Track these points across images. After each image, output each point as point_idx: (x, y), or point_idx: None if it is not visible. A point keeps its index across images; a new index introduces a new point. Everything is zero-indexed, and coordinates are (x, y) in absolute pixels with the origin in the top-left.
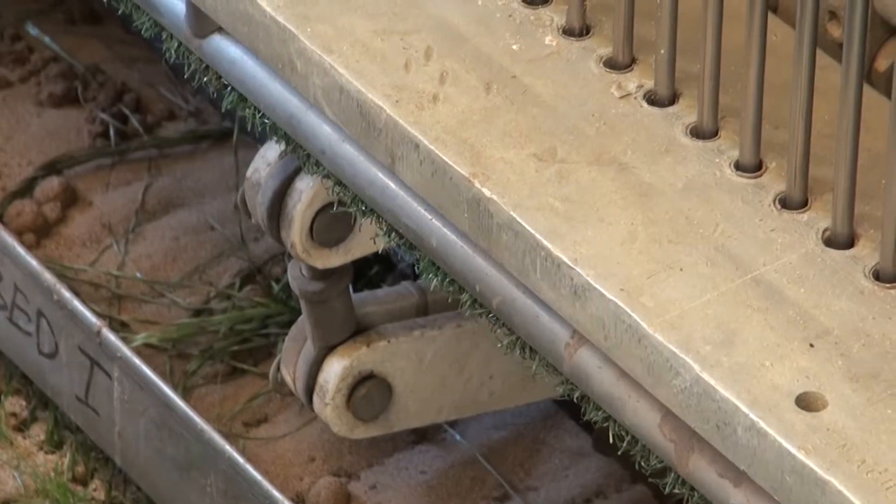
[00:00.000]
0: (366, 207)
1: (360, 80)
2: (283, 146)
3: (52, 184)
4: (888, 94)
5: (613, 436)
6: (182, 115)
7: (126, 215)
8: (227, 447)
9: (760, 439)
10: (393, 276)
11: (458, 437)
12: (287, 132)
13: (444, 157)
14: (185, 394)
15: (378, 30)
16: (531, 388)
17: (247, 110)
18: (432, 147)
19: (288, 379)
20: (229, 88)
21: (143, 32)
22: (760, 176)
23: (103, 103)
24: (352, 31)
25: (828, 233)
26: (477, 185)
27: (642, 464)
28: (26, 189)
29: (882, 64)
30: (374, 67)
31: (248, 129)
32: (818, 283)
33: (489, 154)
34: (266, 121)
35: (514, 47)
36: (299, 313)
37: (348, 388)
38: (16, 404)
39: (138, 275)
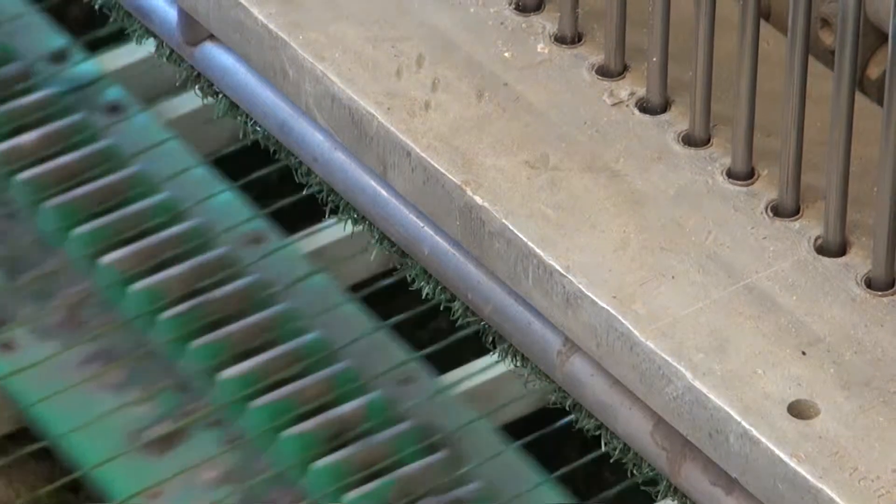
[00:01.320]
0: (357, 215)
1: (351, 87)
2: None
3: None
4: (880, 102)
5: (605, 444)
6: None
7: None
8: None
9: (753, 447)
10: None
11: None
12: (279, 139)
13: (436, 165)
14: None
15: (370, 37)
16: None
17: (238, 118)
18: (424, 155)
19: None
20: (220, 96)
21: (135, 40)
22: (752, 183)
23: None
24: (343, 38)
25: (820, 240)
26: (469, 192)
27: (634, 472)
28: None
29: (874, 71)
30: (365, 75)
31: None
32: (810, 290)
33: (481, 161)
34: (258, 129)
35: (506, 55)
36: None
37: None
38: None
39: None
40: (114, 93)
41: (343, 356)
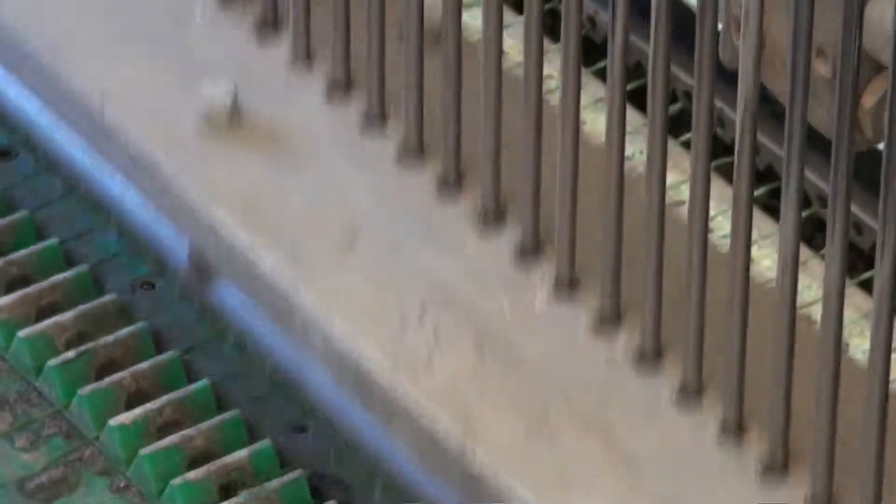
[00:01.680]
0: (361, 467)
1: (356, 340)
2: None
3: None
4: (874, 132)
5: None
6: None
7: None
8: None
9: None
10: None
11: None
12: (284, 386)
13: (437, 422)
14: None
15: (375, 287)
16: None
17: (245, 359)
18: (425, 412)
19: None
20: (229, 337)
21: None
22: (745, 442)
23: None
24: (349, 289)
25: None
26: (469, 450)
27: None
28: None
29: (868, 100)
30: (370, 327)
31: None
32: None
33: (481, 419)
34: (264, 370)
35: (506, 306)
36: None
37: None
38: None
39: None
40: (1, 136)
41: (234, 403)
